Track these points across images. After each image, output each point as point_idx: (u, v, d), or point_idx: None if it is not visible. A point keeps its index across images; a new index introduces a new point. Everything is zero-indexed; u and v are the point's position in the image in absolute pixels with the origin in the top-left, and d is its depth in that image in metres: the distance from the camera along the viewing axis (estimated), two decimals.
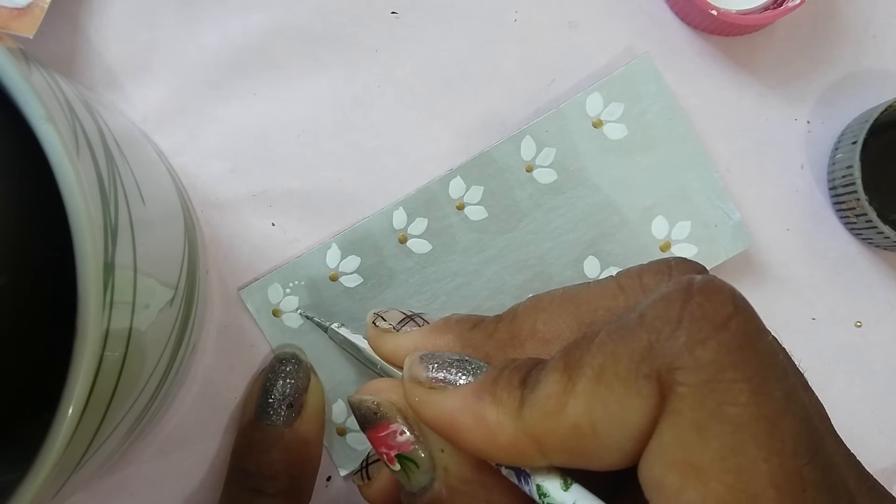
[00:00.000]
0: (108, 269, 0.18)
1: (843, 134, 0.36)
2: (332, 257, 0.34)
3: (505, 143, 0.34)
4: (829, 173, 0.36)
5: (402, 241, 0.34)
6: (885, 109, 0.33)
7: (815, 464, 0.15)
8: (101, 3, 0.34)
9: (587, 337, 0.17)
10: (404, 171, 0.35)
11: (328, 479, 0.35)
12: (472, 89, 0.35)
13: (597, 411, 0.16)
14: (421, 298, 0.34)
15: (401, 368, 0.22)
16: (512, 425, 0.17)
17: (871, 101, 0.35)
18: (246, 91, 0.35)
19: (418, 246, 0.34)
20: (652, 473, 0.15)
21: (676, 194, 0.34)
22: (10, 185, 0.20)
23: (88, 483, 0.33)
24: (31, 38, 0.31)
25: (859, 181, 0.33)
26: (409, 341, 0.23)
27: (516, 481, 0.18)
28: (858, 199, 0.33)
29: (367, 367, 0.26)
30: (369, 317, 0.26)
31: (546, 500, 0.17)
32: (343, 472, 0.34)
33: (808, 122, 0.36)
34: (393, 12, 0.35)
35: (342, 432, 0.34)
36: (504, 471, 0.19)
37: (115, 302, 0.18)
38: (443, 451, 0.20)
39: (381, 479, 0.24)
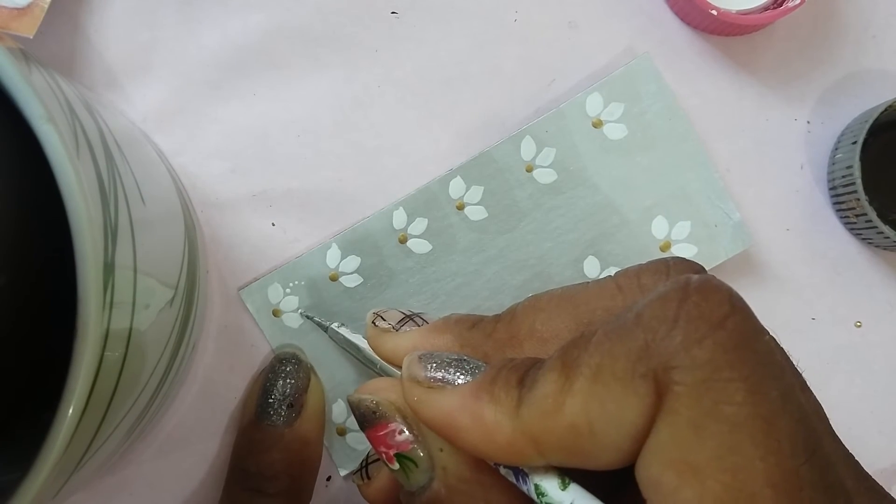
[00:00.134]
0: (108, 269, 0.18)
1: (843, 134, 0.36)
2: (332, 257, 0.34)
3: (505, 143, 0.34)
4: (829, 173, 0.36)
5: (402, 241, 0.34)
6: (885, 109, 0.33)
7: (811, 463, 0.15)
8: (101, 3, 0.34)
9: (584, 336, 0.17)
10: (404, 171, 0.35)
11: (328, 479, 0.35)
12: (472, 89, 0.35)
13: (594, 411, 0.16)
14: (421, 298, 0.34)
15: (400, 368, 0.22)
16: (510, 425, 0.17)
17: (871, 101, 0.35)
18: (246, 91, 0.35)
19: (418, 246, 0.34)
20: (649, 472, 0.15)
21: (676, 194, 0.34)
22: (10, 185, 0.20)
23: (88, 483, 0.33)
24: (31, 38, 0.31)
25: (859, 181, 0.33)
26: (408, 341, 0.23)
27: (514, 481, 0.18)
28: (858, 199, 0.33)
29: (366, 366, 0.27)
30: (369, 316, 0.26)
31: (544, 500, 0.17)
32: (343, 472, 0.34)
33: (808, 122, 0.37)
34: (393, 12, 0.35)
35: (342, 432, 0.34)
36: (502, 470, 0.19)
37: (115, 302, 0.18)
38: (441, 450, 0.20)
39: (381, 478, 0.24)
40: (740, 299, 0.16)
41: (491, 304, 0.34)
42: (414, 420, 0.20)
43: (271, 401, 0.31)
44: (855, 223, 0.35)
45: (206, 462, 0.34)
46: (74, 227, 0.17)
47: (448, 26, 0.35)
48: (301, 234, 0.34)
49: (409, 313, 0.25)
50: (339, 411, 0.34)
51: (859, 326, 0.36)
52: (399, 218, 0.34)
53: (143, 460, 0.34)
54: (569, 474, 0.17)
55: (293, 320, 0.34)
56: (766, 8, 0.35)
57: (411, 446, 0.20)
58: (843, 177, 0.34)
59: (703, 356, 0.15)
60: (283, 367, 0.32)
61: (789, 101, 0.36)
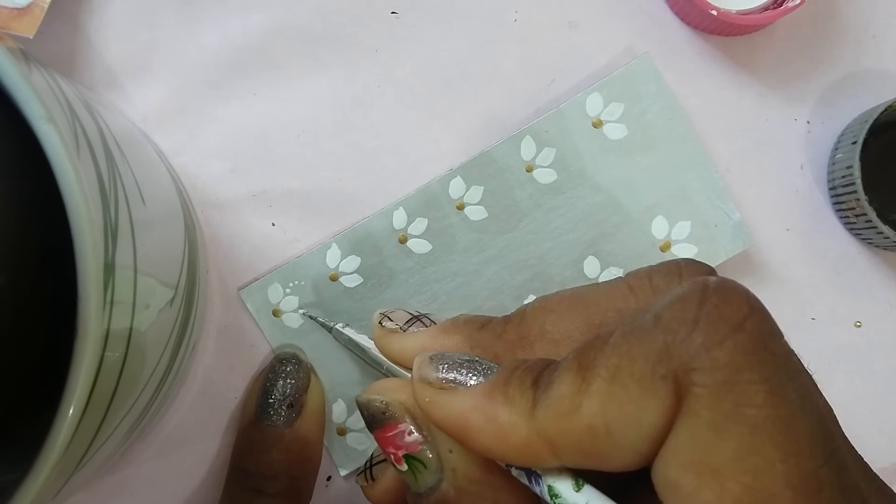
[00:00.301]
0: (109, 269, 0.18)
1: (843, 134, 0.36)
2: (332, 257, 0.34)
3: (505, 143, 0.34)
4: (828, 173, 0.36)
5: (402, 241, 0.34)
6: (885, 109, 0.33)
7: (830, 465, 0.15)
8: (101, 3, 0.34)
9: (601, 338, 0.17)
10: (404, 171, 0.35)
11: (328, 479, 0.35)
12: (472, 89, 0.35)
13: (612, 412, 0.16)
14: (421, 298, 0.34)
15: (407, 369, 0.22)
16: (525, 426, 0.17)
17: (871, 101, 0.35)
18: (246, 91, 0.35)
19: (418, 246, 0.34)
20: (667, 474, 0.15)
21: (676, 194, 0.34)
22: (10, 185, 0.20)
23: (88, 483, 0.33)
24: (31, 38, 0.31)
25: (859, 181, 0.33)
26: (416, 342, 0.23)
27: (526, 482, 0.18)
28: (858, 199, 0.33)
29: (372, 367, 0.26)
30: (375, 317, 0.26)
31: (558, 501, 0.17)
32: (343, 472, 0.34)
33: (808, 122, 0.37)
34: (393, 12, 0.35)
35: (342, 432, 0.34)
36: (514, 471, 0.18)
37: (115, 302, 0.18)
38: (451, 451, 0.19)
39: (386, 479, 0.24)
40: (758, 301, 0.16)
41: (491, 304, 0.34)
42: (423, 421, 0.20)
43: (271, 401, 0.31)
44: (855, 223, 0.35)
45: (206, 462, 0.34)
46: (74, 227, 0.17)
47: (448, 26, 0.35)
48: (301, 234, 0.34)
49: (416, 314, 0.25)
50: (339, 411, 0.34)
51: (859, 326, 0.36)
52: (399, 218, 0.34)
53: (143, 460, 0.34)
54: (581, 475, 0.17)
55: (293, 320, 0.34)
56: (766, 8, 0.35)
57: (420, 447, 0.20)
58: (843, 177, 0.34)
59: (723, 358, 0.15)
60: (284, 367, 0.32)
61: (789, 101, 0.36)
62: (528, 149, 0.34)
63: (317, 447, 0.32)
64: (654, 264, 0.21)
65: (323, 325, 0.33)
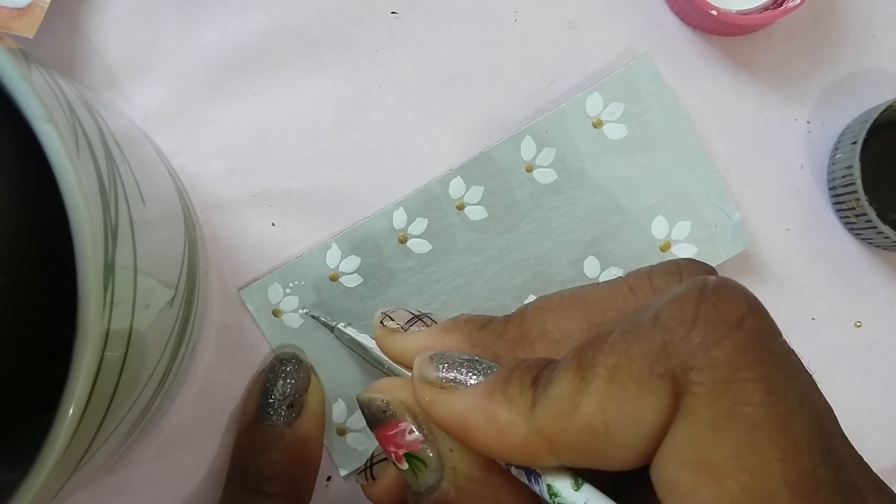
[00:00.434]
0: (109, 269, 0.18)
1: (843, 134, 0.36)
2: (332, 257, 0.34)
3: (505, 143, 0.34)
4: (828, 173, 0.36)
5: (403, 241, 0.34)
6: (885, 109, 0.33)
7: (828, 464, 0.15)
8: (101, 3, 0.34)
9: (600, 337, 0.17)
10: (404, 171, 0.35)
11: (328, 479, 0.35)
12: (472, 89, 0.35)
13: (610, 411, 0.16)
14: (421, 298, 0.34)
15: (409, 368, 0.22)
16: (524, 425, 0.17)
17: (871, 101, 0.35)
18: (246, 91, 0.35)
19: (418, 246, 0.34)
20: (665, 472, 0.15)
21: (676, 194, 0.34)
22: (10, 185, 0.20)
23: (88, 483, 0.33)
24: (31, 38, 0.31)
25: (859, 181, 0.33)
26: (417, 341, 0.23)
27: (526, 481, 0.18)
28: (858, 199, 0.33)
29: (373, 366, 0.26)
30: (377, 316, 0.26)
31: (557, 500, 0.17)
32: (343, 472, 0.34)
33: (808, 122, 0.37)
34: (393, 12, 0.35)
35: (342, 432, 0.34)
36: (514, 470, 0.19)
37: (115, 302, 0.18)
38: (452, 450, 0.19)
39: (386, 478, 0.24)
40: (756, 300, 0.16)
41: (491, 304, 0.34)
42: (424, 420, 0.20)
43: (271, 401, 0.31)
44: (855, 223, 0.35)
45: (206, 462, 0.34)
46: (75, 227, 0.17)
47: (448, 26, 0.35)
48: (301, 234, 0.34)
49: (417, 313, 0.25)
50: (339, 411, 0.34)
51: (859, 326, 0.36)
52: (399, 218, 0.34)
53: (143, 460, 0.34)
54: (580, 474, 0.17)
55: (293, 320, 0.34)
56: (766, 8, 0.35)
57: (421, 446, 0.20)
58: (843, 177, 0.34)
59: (721, 357, 0.15)
60: (283, 368, 0.32)
61: (789, 101, 0.36)
62: (528, 149, 0.34)
63: (317, 447, 0.32)
64: (654, 264, 0.21)
65: (325, 324, 0.33)
